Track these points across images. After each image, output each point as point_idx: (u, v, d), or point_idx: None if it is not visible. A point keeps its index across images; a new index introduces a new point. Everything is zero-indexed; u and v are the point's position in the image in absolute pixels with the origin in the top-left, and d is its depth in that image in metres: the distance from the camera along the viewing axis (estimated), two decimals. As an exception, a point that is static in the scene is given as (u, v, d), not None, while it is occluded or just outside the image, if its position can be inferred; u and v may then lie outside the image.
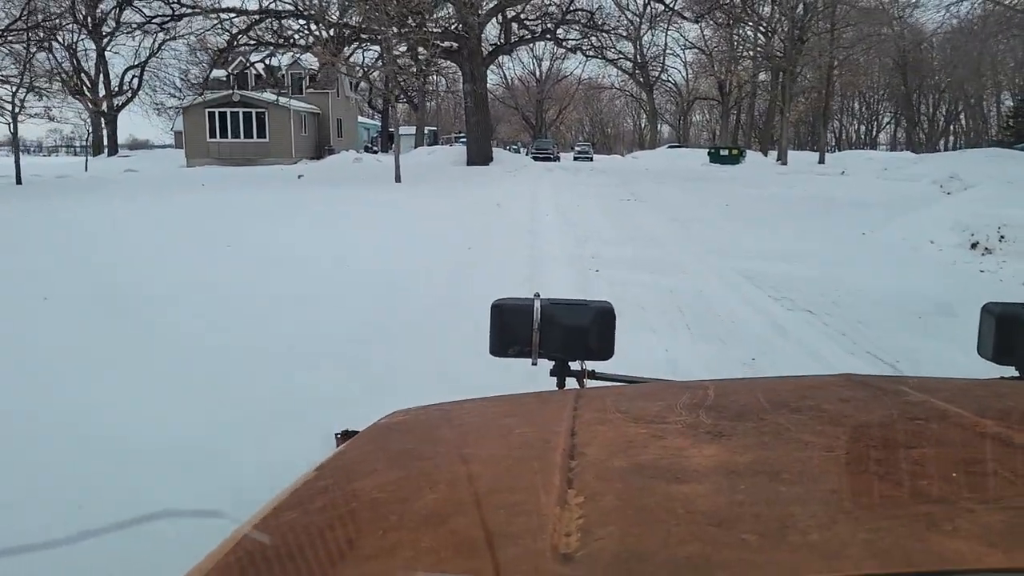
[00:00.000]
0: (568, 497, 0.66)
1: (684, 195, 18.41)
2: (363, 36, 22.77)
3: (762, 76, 61.31)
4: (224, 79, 38.50)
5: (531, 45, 68.83)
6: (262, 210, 12.75)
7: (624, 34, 35.26)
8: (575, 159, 56.21)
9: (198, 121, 35.27)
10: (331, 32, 23.89)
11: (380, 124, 61.32)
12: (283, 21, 23.78)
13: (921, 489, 0.66)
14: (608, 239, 10.51)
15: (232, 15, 23.73)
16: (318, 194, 16.30)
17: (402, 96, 58.40)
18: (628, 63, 45.97)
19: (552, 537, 0.59)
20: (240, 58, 33.07)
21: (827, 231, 11.53)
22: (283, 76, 38.84)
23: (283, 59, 35.12)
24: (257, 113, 35.05)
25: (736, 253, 9.52)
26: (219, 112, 35.25)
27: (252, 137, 35.57)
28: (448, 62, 33.70)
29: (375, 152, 57.91)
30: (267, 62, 26.33)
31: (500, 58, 72.96)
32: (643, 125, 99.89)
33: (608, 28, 32.13)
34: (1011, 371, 1.30)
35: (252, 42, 22.97)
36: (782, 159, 30.72)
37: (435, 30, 25.62)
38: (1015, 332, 1.28)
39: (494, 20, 30.08)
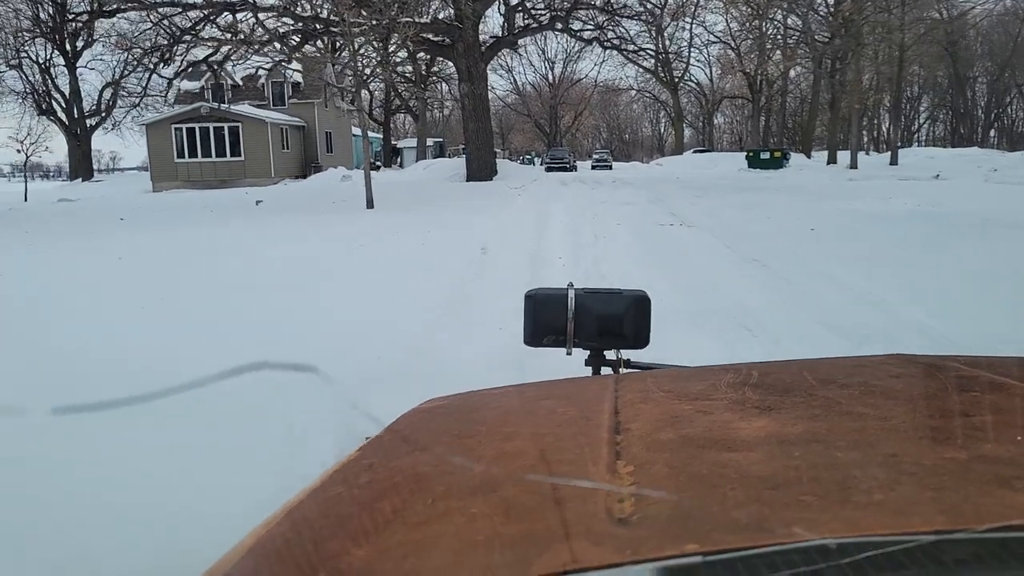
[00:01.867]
0: (618, 467, 0.66)
1: (744, 215, 13.82)
2: (332, 29, 18.46)
3: (794, 72, 56.66)
4: (197, 91, 34.41)
5: (541, 39, 64.75)
6: (136, 271, 8.39)
7: (646, 19, 30.68)
8: (593, 167, 52.66)
9: (163, 139, 31.11)
10: (294, 24, 19.63)
11: (382, 137, 57.21)
12: (236, 15, 19.52)
13: (985, 452, 0.64)
14: (663, 312, 5.97)
15: (175, 10, 19.49)
16: (252, 232, 11.99)
17: (402, 106, 54.29)
18: (650, 59, 41.38)
19: (605, 502, 0.59)
20: (208, 69, 28.99)
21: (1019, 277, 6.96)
22: (262, 86, 34.67)
23: (252, 65, 30.96)
24: (230, 128, 30.84)
25: (910, 340, 4.98)
26: (187, 128, 31.05)
27: (225, 155, 31.34)
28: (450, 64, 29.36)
29: (378, 167, 53.83)
30: (212, 64, 21.99)
31: (509, 61, 68.67)
32: (663, 129, 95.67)
33: (629, 15, 27.60)
34: None
35: (190, 38, 18.66)
36: (852, 162, 25.79)
37: (420, 20, 21.31)
38: None
39: (495, 8, 25.79)
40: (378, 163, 56.56)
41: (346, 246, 9.02)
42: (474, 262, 7.59)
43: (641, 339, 1.40)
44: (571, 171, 46.23)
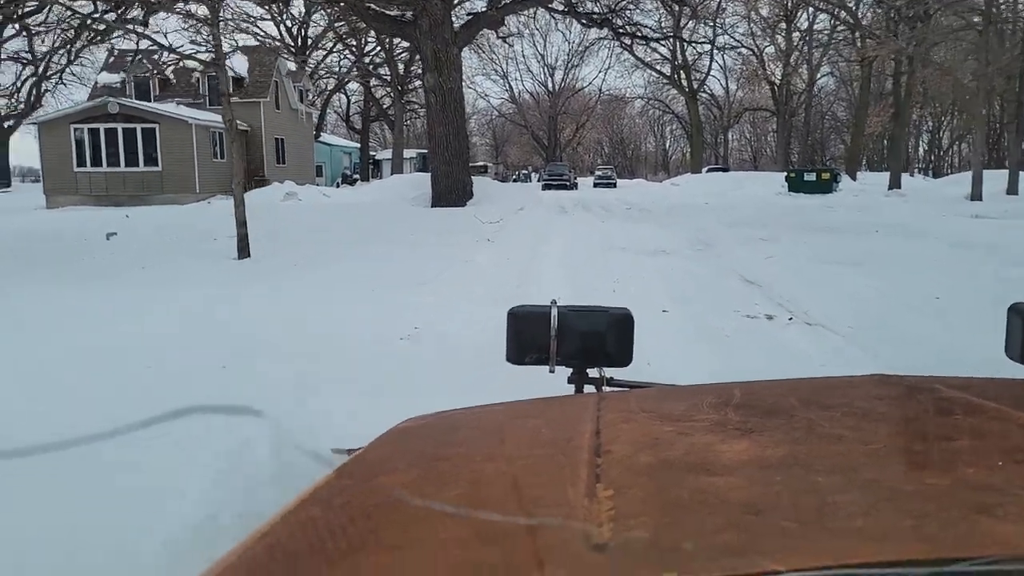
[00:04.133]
0: (597, 491, 0.65)
1: (888, 290, 7.66)
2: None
3: (823, 80, 50.87)
4: (118, 85, 28.28)
5: (540, 39, 58.46)
6: None
7: (668, 3, 24.61)
8: (595, 185, 47.61)
9: (60, 142, 24.86)
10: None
11: (359, 147, 51.10)
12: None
13: (965, 477, 0.65)
14: None
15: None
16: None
17: (379, 114, 48.24)
18: (667, 62, 35.31)
19: (584, 528, 0.58)
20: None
21: None
22: (197, 80, 28.51)
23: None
24: (145, 130, 24.60)
25: None
26: (89, 129, 24.75)
27: (138, 165, 25.05)
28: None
29: (354, 181, 47.69)
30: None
31: (504, 67, 62.31)
32: (668, 145, 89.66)
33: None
34: None
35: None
36: (973, 192, 19.30)
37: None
38: None
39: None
40: (355, 176, 50.52)
41: None
42: None
43: (624, 357, 1.38)
44: (571, 189, 40.79)
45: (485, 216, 13.45)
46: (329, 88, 46.40)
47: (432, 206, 17.80)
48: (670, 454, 0.73)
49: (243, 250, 9.61)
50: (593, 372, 1.41)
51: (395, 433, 0.95)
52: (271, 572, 0.63)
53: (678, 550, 0.53)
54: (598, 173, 50.40)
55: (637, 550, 0.54)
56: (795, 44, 45.37)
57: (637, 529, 0.56)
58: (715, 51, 44.84)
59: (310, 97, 39.97)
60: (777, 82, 46.29)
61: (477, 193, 18.44)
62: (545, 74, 63.59)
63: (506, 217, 13.72)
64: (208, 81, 28.14)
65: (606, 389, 1.39)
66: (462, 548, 0.58)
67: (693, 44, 38.58)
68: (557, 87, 61.44)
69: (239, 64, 28.50)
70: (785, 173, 28.73)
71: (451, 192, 17.69)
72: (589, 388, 1.40)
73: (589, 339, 1.34)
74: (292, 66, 33.70)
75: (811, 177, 27.52)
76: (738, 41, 47.49)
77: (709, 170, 47.60)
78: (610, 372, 1.42)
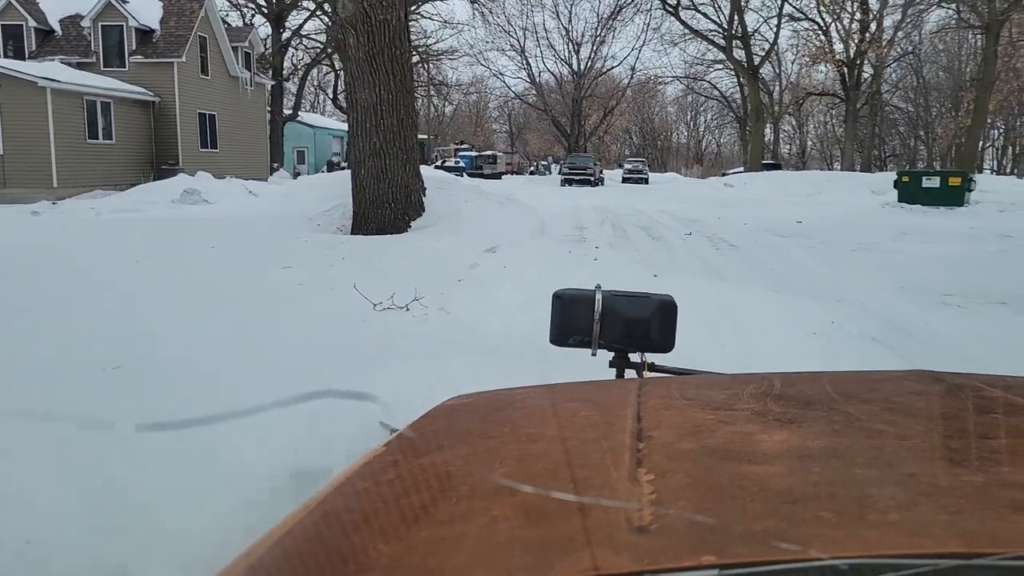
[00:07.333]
0: (639, 475, 0.67)
1: None
2: None
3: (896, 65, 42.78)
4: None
5: (566, 6, 49.97)
6: None
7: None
8: (624, 180, 41.22)
9: None
10: None
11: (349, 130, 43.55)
12: None
13: (1003, 476, 0.65)
14: None
15: None
16: None
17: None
18: (719, 29, 27.45)
19: (625, 510, 0.60)
20: None
21: None
22: (88, 32, 20.95)
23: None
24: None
25: None
26: None
27: (-34, 147, 17.55)
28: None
29: (342, 168, 40.31)
30: None
31: (521, 40, 53.38)
32: (701, 135, 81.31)
33: None
34: None
35: None
36: None
37: None
38: None
39: None
40: (343, 164, 43.11)
41: None
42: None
43: (666, 343, 1.37)
44: (596, 186, 34.12)
45: (388, 287, 5.76)
46: (307, 61, 39.04)
47: (352, 232, 10.17)
48: (711, 441, 0.73)
49: None
50: (635, 357, 1.40)
51: (442, 410, 0.95)
52: (326, 540, 0.65)
53: (716, 535, 0.54)
54: (628, 167, 43.95)
55: (677, 533, 0.55)
56: (873, 15, 37.31)
57: (677, 513, 0.58)
58: (781, 19, 36.75)
59: (289, 67, 32.51)
60: (847, 61, 38.14)
61: (433, 207, 10.76)
62: (569, 51, 55.63)
63: (444, 286, 6.03)
64: (103, 35, 20.56)
65: (647, 374, 1.39)
66: (510, 525, 0.60)
67: (746, 38, 30.54)
68: (583, 66, 53.40)
69: (149, 11, 21.00)
70: (897, 176, 20.84)
71: (383, 207, 10.05)
72: (630, 373, 1.40)
73: (632, 324, 1.34)
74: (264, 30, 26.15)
75: (932, 183, 19.60)
76: (802, 12, 39.32)
77: (762, 166, 39.87)
78: (652, 357, 1.40)
